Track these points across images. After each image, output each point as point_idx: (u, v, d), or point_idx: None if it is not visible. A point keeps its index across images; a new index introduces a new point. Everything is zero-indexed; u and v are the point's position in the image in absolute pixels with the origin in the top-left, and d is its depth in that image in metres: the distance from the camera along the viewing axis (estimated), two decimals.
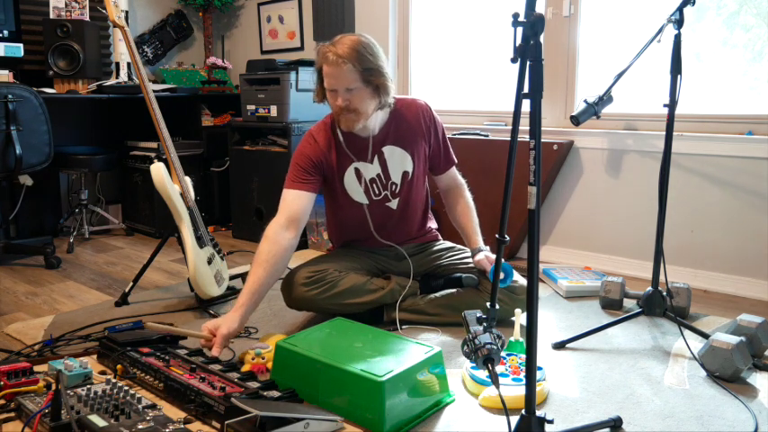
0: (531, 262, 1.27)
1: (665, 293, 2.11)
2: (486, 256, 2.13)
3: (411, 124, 2.17)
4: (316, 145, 2.12)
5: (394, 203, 2.21)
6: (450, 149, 2.29)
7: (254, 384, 1.53)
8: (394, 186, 2.19)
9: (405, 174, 2.19)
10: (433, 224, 2.39)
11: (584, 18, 2.92)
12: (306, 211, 2.06)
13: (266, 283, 1.90)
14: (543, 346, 1.96)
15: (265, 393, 1.48)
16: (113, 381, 1.54)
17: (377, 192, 2.18)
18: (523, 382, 1.60)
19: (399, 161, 2.17)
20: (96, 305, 2.42)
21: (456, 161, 2.30)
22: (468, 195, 2.30)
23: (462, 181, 2.32)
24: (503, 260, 1.93)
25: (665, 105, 1.99)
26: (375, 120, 2.10)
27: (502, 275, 1.90)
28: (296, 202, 2.04)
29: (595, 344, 2.00)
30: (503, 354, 1.71)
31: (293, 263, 2.18)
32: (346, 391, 1.48)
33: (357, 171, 2.15)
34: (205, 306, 2.33)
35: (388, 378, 1.43)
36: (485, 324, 1.58)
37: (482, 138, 3.08)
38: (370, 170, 2.16)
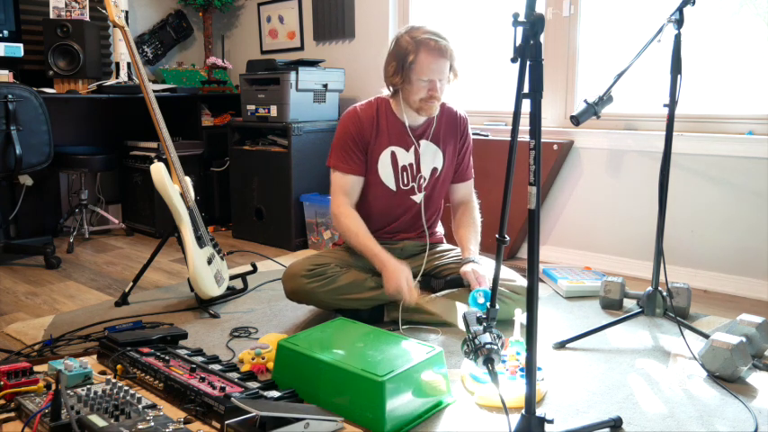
0: (531, 262, 1.27)
1: (665, 293, 2.11)
2: (473, 269, 2.07)
3: (449, 126, 2.28)
4: (359, 121, 2.19)
5: (419, 197, 2.26)
6: (471, 165, 2.37)
7: (254, 384, 1.53)
8: (422, 180, 2.25)
9: (434, 170, 2.26)
10: (440, 229, 2.43)
11: (584, 18, 2.92)
12: (356, 189, 2.21)
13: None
14: (543, 346, 1.96)
15: (265, 393, 1.48)
16: (113, 381, 1.54)
17: (406, 181, 2.24)
18: (517, 380, 1.62)
19: (432, 157, 2.25)
20: (96, 305, 2.42)
21: (473, 177, 2.37)
22: (477, 215, 2.32)
23: (476, 201, 2.36)
24: (486, 288, 1.94)
25: (665, 105, 1.99)
26: None
27: (481, 299, 1.91)
28: (347, 184, 2.19)
29: (595, 344, 2.01)
30: (503, 354, 1.71)
31: (292, 261, 2.18)
32: (347, 391, 1.48)
33: (393, 154, 2.21)
34: (205, 306, 2.33)
35: (389, 378, 1.43)
36: (485, 324, 1.58)
37: (482, 138, 3.08)
38: (406, 157, 2.22)
